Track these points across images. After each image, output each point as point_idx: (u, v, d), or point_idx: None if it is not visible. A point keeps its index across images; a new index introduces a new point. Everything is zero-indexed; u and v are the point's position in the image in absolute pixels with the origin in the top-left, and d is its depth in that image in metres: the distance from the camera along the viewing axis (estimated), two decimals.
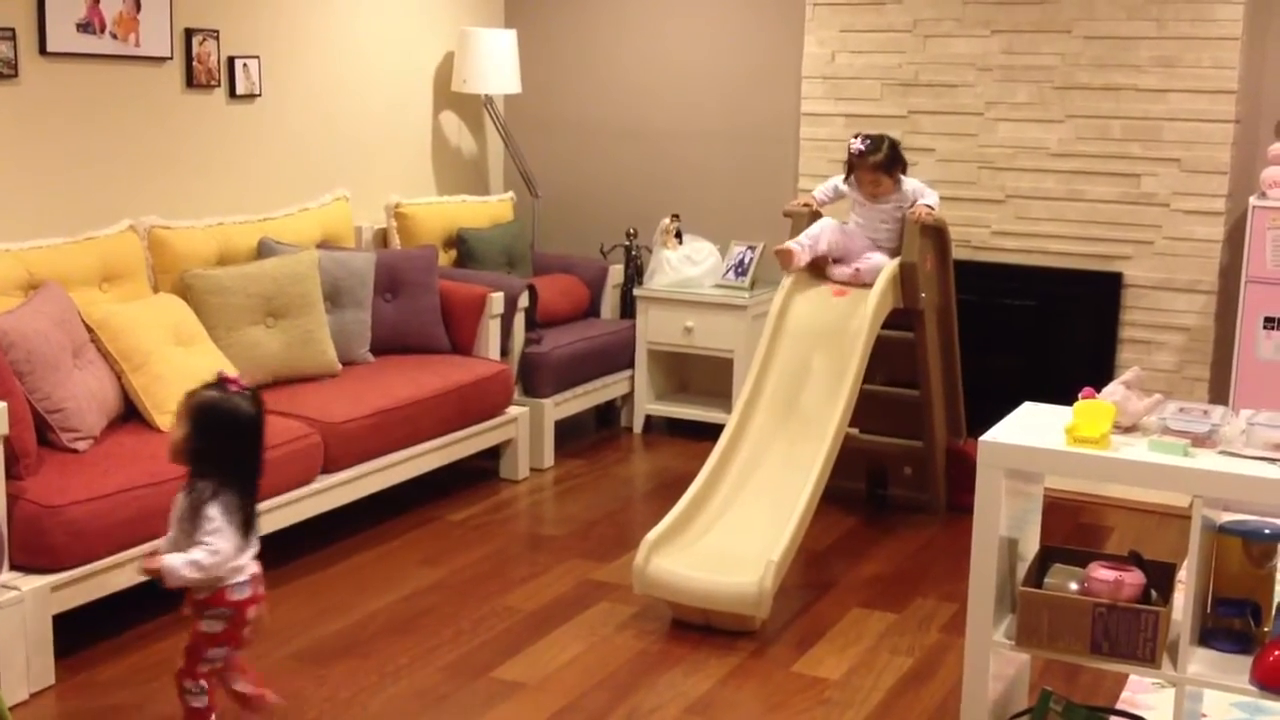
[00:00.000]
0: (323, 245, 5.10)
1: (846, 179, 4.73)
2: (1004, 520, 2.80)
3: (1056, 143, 5.43)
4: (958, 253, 5.08)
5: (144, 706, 3.36)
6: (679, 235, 5.98)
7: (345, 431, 4.42)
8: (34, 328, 3.74)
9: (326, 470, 4.38)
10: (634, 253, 6.15)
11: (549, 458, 5.49)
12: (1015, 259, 5.54)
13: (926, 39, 5.60)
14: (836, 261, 4.65)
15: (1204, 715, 3.26)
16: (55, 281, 4.07)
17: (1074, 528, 4.82)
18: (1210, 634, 2.73)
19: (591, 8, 6.40)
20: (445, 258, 5.68)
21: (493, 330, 5.25)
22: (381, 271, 5.11)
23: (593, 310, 6.06)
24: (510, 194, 6.27)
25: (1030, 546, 3.01)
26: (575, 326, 5.83)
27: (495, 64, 6.03)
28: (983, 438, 2.81)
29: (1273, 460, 2.62)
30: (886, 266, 4.53)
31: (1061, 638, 2.71)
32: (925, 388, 4.79)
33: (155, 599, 3.45)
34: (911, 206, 4.61)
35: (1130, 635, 2.65)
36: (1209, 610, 2.76)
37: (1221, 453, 2.67)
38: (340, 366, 4.79)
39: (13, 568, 3.44)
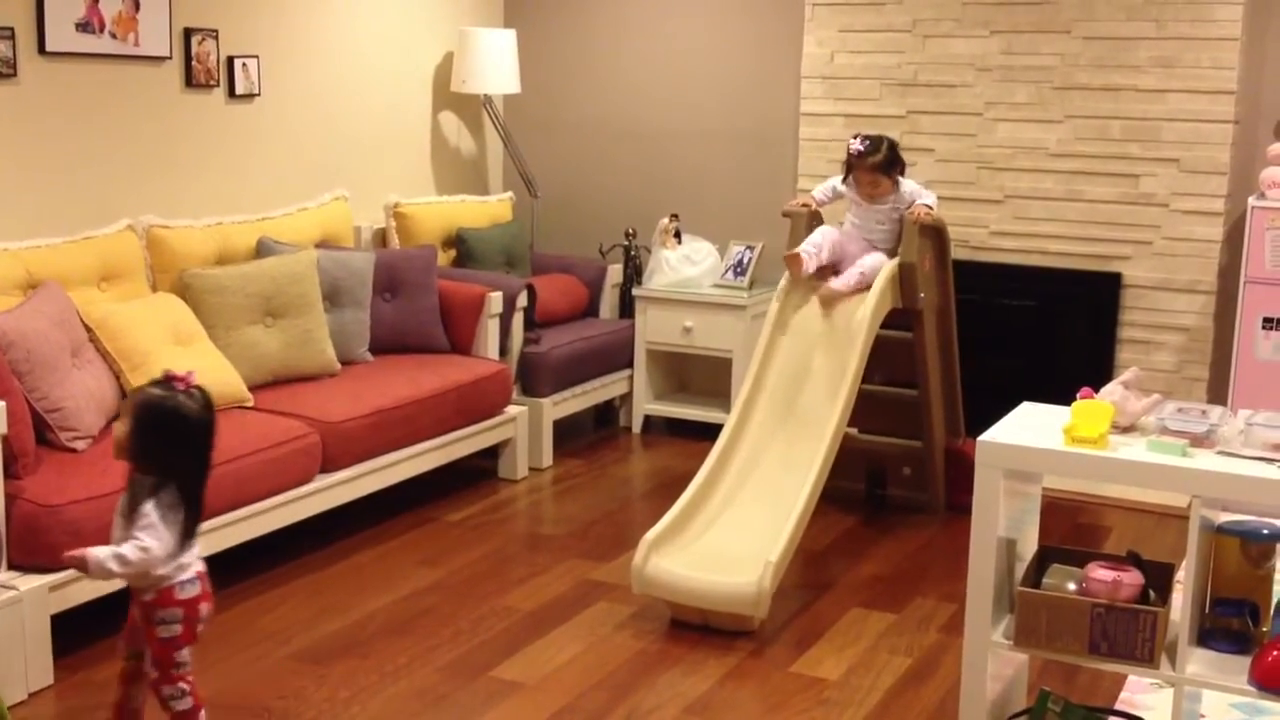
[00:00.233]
0: (322, 245, 5.10)
1: (845, 179, 4.73)
2: (1002, 520, 2.80)
3: (1056, 143, 5.43)
4: (957, 253, 5.08)
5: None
6: (678, 235, 5.98)
7: (344, 431, 4.42)
8: (33, 327, 3.74)
9: (325, 470, 4.38)
10: (633, 252, 6.15)
11: (548, 457, 5.49)
12: (1014, 259, 5.54)
13: (926, 39, 5.60)
14: (836, 273, 4.63)
15: (1202, 715, 3.26)
16: (54, 281, 4.07)
17: (1072, 528, 4.82)
18: (1208, 634, 2.73)
19: (591, 8, 6.40)
20: (444, 257, 5.68)
21: (491, 330, 5.25)
22: (380, 271, 5.11)
23: (592, 310, 6.06)
24: (509, 194, 6.27)
25: (1029, 546, 3.01)
26: (574, 326, 5.83)
27: (494, 64, 6.03)
28: (981, 438, 2.81)
29: (1271, 460, 2.62)
30: (885, 266, 4.53)
31: (1060, 638, 2.71)
32: (924, 388, 4.79)
33: None
34: (909, 208, 4.61)
35: (1128, 635, 2.65)
36: (1207, 610, 2.76)
37: (1220, 453, 2.67)
38: (339, 366, 4.79)
39: (11, 567, 3.45)
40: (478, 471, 5.27)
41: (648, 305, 5.93)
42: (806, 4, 5.79)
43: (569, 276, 6.00)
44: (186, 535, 2.91)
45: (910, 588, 4.29)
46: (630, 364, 5.99)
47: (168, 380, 2.94)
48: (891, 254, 4.62)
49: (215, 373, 4.27)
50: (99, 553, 2.84)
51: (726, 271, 5.90)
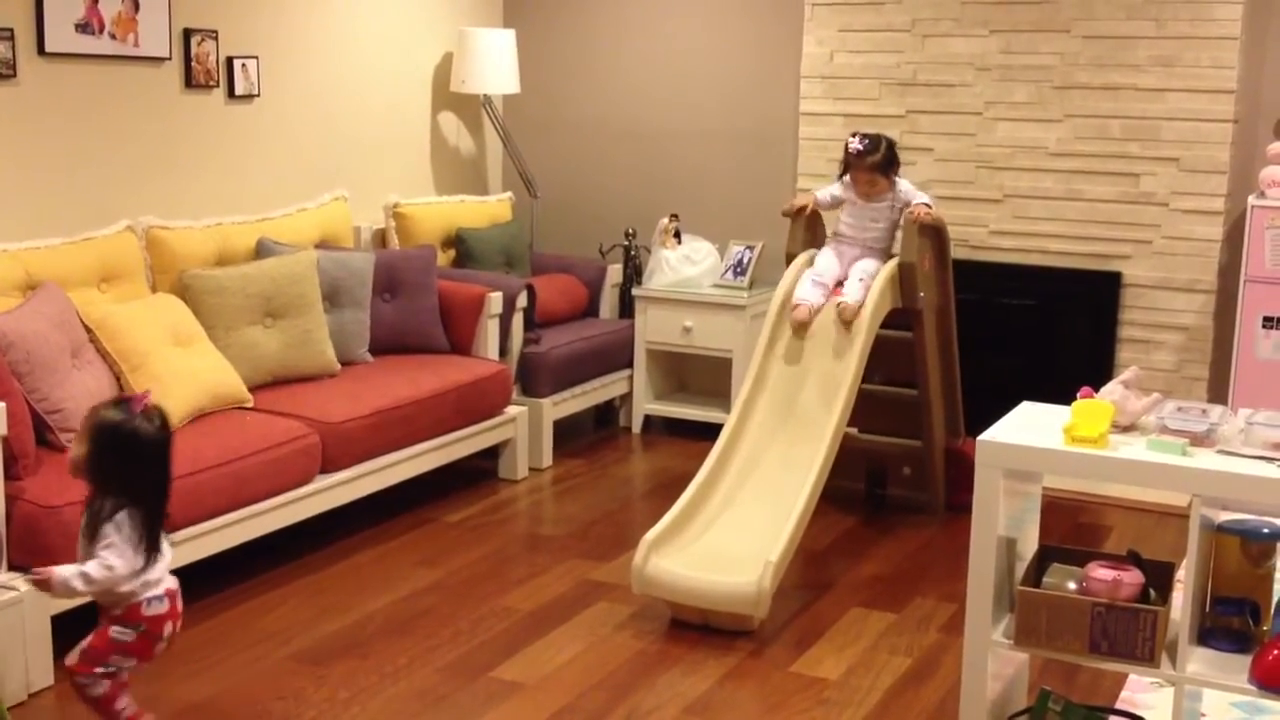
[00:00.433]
0: (321, 245, 5.10)
1: (841, 177, 4.73)
2: (1002, 520, 2.80)
3: (1055, 142, 5.43)
4: (956, 252, 5.08)
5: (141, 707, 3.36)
6: (678, 235, 5.98)
7: (344, 431, 4.42)
8: (32, 328, 3.74)
9: (325, 470, 4.38)
10: (633, 252, 6.15)
11: (547, 458, 5.49)
12: (1014, 258, 5.54)
13: (925, 39, 5.60)
14: (838, 284, 4.60)
15: (1203, 715, 3.26)
16: (54, 282, 4.07)
17: (1072, 527, 4.82)
18: (1209, 633, 2.73)
19: (591, 8, 6.40)
20: (444, 258, 5.68)
21: (491, 330, 5.25)
22: (380, 271, 5.11)
23: (591, 310, 6.06)
24: (509, 194, 6.27)
25: (1029, 546, 3.01)
26: (574, 326, 5.83)
27: (494, 64, 6.03)
28: (981, 437, 2.81)
29: (1271, 459, 2.62)
30: (885, 266, 4.53)
31: (1060, 637, 2.71)
32: (924, 387, 4.79)
33: None
34: (906, 207, 4.61)
35: (1129, 634, 2.65)
36: (1207, 609, 2.76)
37: (1220, 452, 2.67)
38: (339, 366, 4.78)
39: (11, 568, 3.44)
40: (477, 472, 5.27)
41: (647, 305, 5.93)
42: (806, 4, 5.79)
43: (569, 276, 6.00)
44: (150, 551, 2.92)
45: (910, 587, 4.29)
46: (630, 364, 5.98)
47: (124, 402, 2.95)
48: (885, 254, 4.63)
49: (215, 373, 4.27)
50: (64, 571, 2.87)
51: (726, 271, 5.90)
